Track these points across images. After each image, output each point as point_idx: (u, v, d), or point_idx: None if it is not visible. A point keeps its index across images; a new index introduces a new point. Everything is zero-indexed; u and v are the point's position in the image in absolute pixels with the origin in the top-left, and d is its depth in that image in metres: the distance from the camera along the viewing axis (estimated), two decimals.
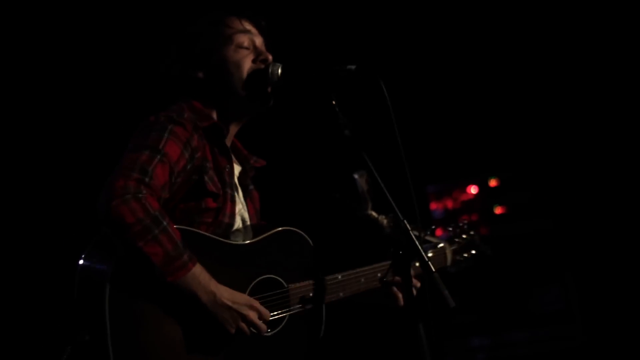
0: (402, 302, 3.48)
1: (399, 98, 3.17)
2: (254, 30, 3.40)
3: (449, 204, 7.15)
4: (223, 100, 3.30)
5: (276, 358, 3.17)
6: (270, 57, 3.34)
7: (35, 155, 5.46)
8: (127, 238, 2.79)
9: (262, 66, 3.31)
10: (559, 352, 6.67)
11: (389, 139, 3.01)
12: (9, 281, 5.28)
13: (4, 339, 5.21)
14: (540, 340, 6.75)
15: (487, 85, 6.94)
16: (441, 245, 3.89)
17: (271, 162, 3.60)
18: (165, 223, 2.85)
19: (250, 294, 3.07)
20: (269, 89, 3.30)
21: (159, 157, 2.95)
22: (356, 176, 3.08)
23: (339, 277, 3.40)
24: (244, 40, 3.34)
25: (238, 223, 3.30)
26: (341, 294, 3.40)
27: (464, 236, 3.99)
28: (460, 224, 4.02)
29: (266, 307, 3.08)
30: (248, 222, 3.37)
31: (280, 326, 3.19)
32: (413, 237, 2.89)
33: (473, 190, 7.12)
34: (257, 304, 3.04)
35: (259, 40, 3.39)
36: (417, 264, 3.36)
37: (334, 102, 3.14)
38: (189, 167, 3.07)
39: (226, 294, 2.96)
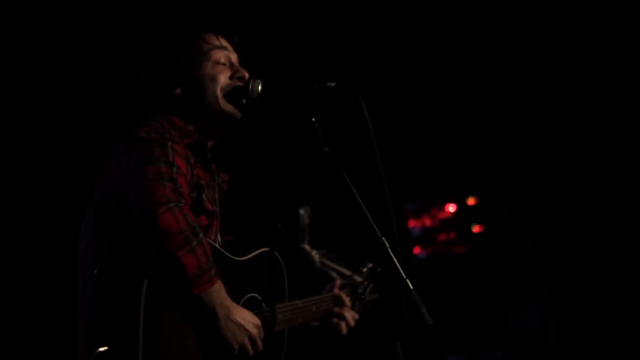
0: (344, 332, 3.68)
1: (379, 116, 3.17)
2: (229, 46, 3.40)
3: (427, 221, 7.16)
4: (200, 116, 3.29)
5: None
6: (246, 74, 3.35)
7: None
8: (167, 247, 2.80)
9: (239, 83, 3.31)
10: None
11: (368, 157, 3.01)
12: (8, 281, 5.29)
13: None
14: (516, 359, 6.75)
15: (466, 104, 6.98)
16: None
17: (239, 176, 3.60)
18: (201, 236, 2.89)
19: None
20: (246, 106, 3.29)
21: (175, 169, 2.95)
22: (301, 211, 3.17)
23: (299, 303, 3.48)
24: (221, 56, 3.34)
25: (219, 239, 3.31)
26: (299, 320, 3.48)
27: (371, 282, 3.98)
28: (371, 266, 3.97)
29: None
30: (220, 238, 3.37)
31: None
32: (391, 254, 2.89)
33: (451, 208, 7.13)
34: (259, 324, 3.09)
35: (234, 57, 3.40)
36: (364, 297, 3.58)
37: (313, 119, 3.14)
38: (190, 182, 3.08)
39: (237, 311, 3.01)
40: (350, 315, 3.69)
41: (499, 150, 6.98)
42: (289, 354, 3.41)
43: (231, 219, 3.54)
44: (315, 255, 3.39)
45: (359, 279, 3.83)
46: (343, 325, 3.67)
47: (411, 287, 2.87)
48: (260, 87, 3.27)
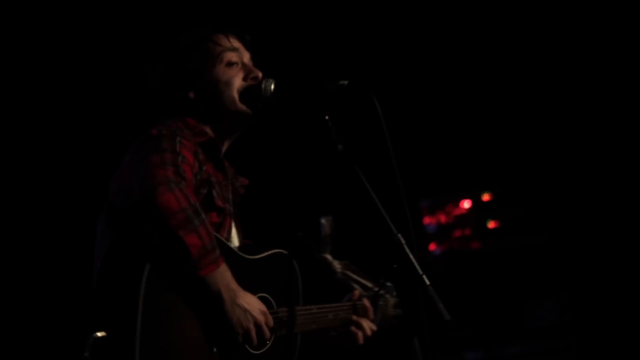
0: (361, 341, 3.59)
1: (392, 113, 3.18)
2: (241, 46, 3.39)
3: (442, 218, 7.17)
4: (215, 118, 3.30)
5: None
6: (260, 74, 3.33)
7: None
8: (168, 226, 2.78)
9: (253, 83, 3.30)
10: None
11: (382, 154, 3.02)
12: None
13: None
14: (533, 354, 6.75)
15: (481, 100, 6.97)
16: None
17: (258, 181, 3.61)
18: (203, 216, 2.86)
19: None
20: (261, 105, 3.30)
21: (180, 158, 2.95)
22: (323, 220, 3.15)
23: (314, 309, 3.43)
24: (233, 57, 3.33)
25: (233, 239, 3.30)
26: (313, 326, 3.42)
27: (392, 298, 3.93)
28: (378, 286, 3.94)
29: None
30: (237, 239, 3.37)
31: (266, 347, 3.17)
32: (407, 251, 2.90)
33: (466, 204, 7.14)
34: (266, 310, 3.06)
35: (246, 56, 3.38)
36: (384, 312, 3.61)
37: (327, 118, 3.15)
38: (198, 177, 3.08)
39: (243, 295, 2.97)
40: (368, 325, 3.61)
41: (513, 146, 6.97)
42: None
43: (250, 224, 3.54)
44: (337, 265, 3.36)
45: (381, 291, 3.80)
46: (360, 335, 3.59)
47: (427, 283, 2.87)
48: (273, 87, 3.27)
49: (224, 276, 2.91)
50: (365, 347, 3.65)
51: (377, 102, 3.04)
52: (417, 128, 6.90)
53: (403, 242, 2.92)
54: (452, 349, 6.85)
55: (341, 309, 3.58)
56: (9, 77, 5.44)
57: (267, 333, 3.05)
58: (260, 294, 3.18)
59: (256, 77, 3.31)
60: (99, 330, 2.81)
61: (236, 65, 3.32)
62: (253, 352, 3.11)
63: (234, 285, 2.95)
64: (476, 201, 7.12)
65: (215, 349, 2.97)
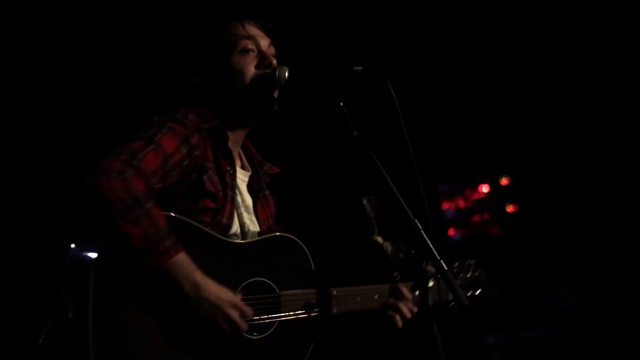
0: (399, 325, 3.46)
1: (408, 98, 3.17)
2: (258, 32, 3.37)
3: (461, 203, 7.16)
4: (230, 106, 3.30)
5: None
6: (274, 62, 3.31)
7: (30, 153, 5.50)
8: (107, 216, 2.78)
9: (267, 71, 3.28)
10: (573, 349, 6.67)
11: (398, 139, 3.00)
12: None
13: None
14: (554, 338, 6.74)
15: (498, 84, 6.94)
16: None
17: (283, 169, 3.60)
18: (148, 206, 2.81)
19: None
20: (276, 94, 3.30)
21: (152, 146, 2.95)
22: (364, 201, 3.06)
23: (334, 292, 3.33)
24: (248, 44, 3.31)
25: (237, 226, 3.28)
26: (334, 310, 3.32)
27: (468, 274, 3.91)
28: (468, 262, 3.92)
29: (255, 310, 3.03)
30: (250, 227, 3.35)
31: (269, 331, 3.14)
32: (424, 236, 2.89)
33: (485, 189, 7.12)
34: (240, 302, 2.97)
35: (264, 43, 3.35)
36: (417, 293, 3.45)
37: (342, 104, 3.13)
38: (186, 162, 3.06)
39: (210, 288, 2.90)
40: (407, 308, 3.46)
41: (531, 130, 6.94)
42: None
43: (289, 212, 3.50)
44: (388, 247, 3.25)
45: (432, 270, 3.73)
46: (398, 318, 3.44)
47: (445, 268, 2.86)
48: (287, 74, 3.25)
49: (180, 268, 2.85)
50: (385, 332, 3.60)
51: (391, 87, 3.03)
52: (435, 113, 6.88)
53: (420, 227, 2.90)
54: (473, 333, 6.85)
55: (374, 291, 3.47)
56: (11, 77, 5.45)
57: (242, 325, 2.97)
58: (256, 279, 3.14)
59: (270, 65, 3.30)
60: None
61: (251, 52, 3.31)
62: (249, 337, 3.06)
63: (197, 277, 2.88)
64: (495, 185, 7.10)
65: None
